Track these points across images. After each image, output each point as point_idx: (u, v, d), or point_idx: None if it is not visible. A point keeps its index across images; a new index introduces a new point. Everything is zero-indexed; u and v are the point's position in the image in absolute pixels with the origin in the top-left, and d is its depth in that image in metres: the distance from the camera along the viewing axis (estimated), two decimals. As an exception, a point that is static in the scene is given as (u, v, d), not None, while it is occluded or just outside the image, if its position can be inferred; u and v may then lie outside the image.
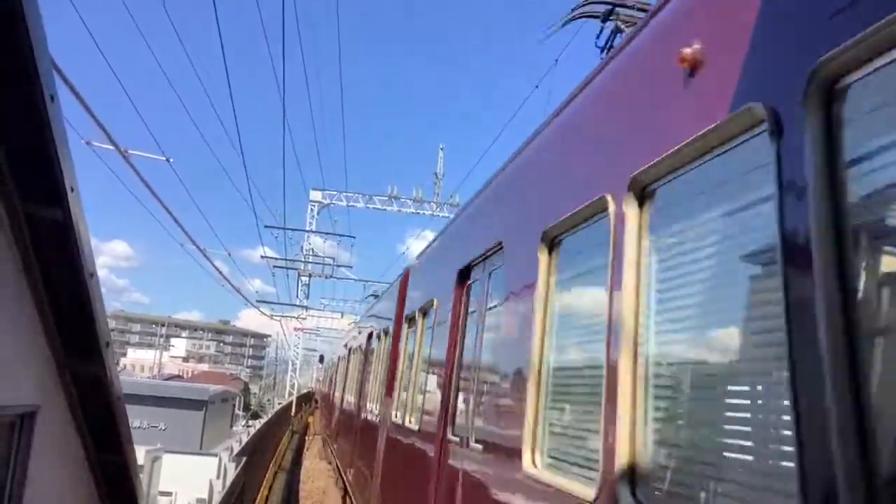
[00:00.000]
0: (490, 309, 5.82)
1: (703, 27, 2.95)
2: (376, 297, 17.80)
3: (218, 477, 13.17)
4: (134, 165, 12.10)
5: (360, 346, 18.57)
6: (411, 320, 9.86)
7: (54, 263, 3.40)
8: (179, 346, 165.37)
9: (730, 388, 2.75)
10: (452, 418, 6.53)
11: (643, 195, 3.31)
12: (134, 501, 5.70)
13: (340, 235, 48.47)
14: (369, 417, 13.16)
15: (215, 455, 17.55)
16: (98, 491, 5.28)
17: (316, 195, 53.43)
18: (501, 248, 5.52)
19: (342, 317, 64.48)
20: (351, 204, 52.57)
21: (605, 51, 8.22)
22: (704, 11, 3.03)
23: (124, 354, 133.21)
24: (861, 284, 2.01)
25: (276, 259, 48.02)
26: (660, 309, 3.13)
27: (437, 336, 7.78)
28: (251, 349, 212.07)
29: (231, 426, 50.80)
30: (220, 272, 28.54)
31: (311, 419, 66.24)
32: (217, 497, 9.36)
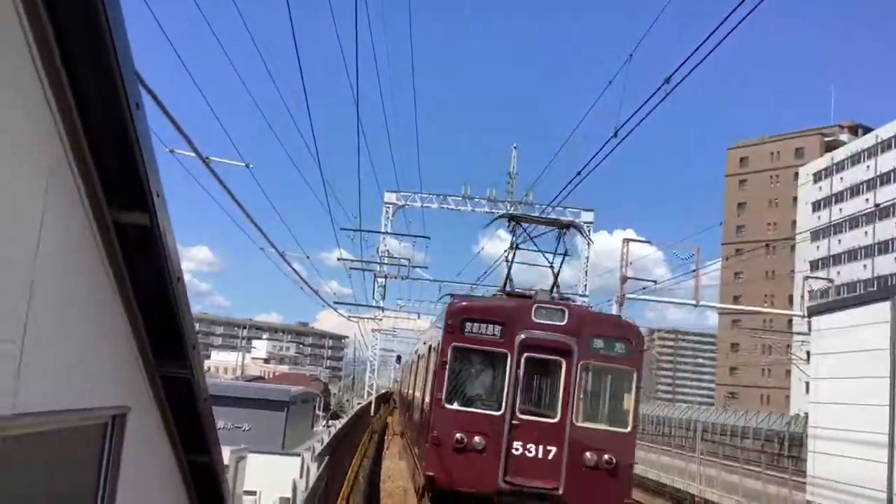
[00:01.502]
0: None
1: None
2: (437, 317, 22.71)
3: (301, 476, 13.35)
4: (215, 172, 12.37)
5: (423, 354, 22.55)
6: None
7: (141, 268, 3.45)
8: (260, 347, 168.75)
9: None
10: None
11: None
12: (222, 501, 5.80)
13: (415, 236, 48.65)
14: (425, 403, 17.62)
15: (298, 455, 17.81)
16: (187, 491, 5.39)
17: (390, 197, 53.84)
18: None
19: (418, 317, 64.88)
20: (425, 205, 52.77)
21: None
22: None
23: (208, 356, 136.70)
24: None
25: (353, 261, 48.54)
26: None
27: None
28: (330, 350, 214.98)
29: (312, 426, 51.63)
30: (299, 274, 28.98)
31: (390, 419, 66.80)
32: (301, 496, 9.47)
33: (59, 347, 2.95)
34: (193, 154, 11.97)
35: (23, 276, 2.53)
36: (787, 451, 59.05)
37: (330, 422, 58.02)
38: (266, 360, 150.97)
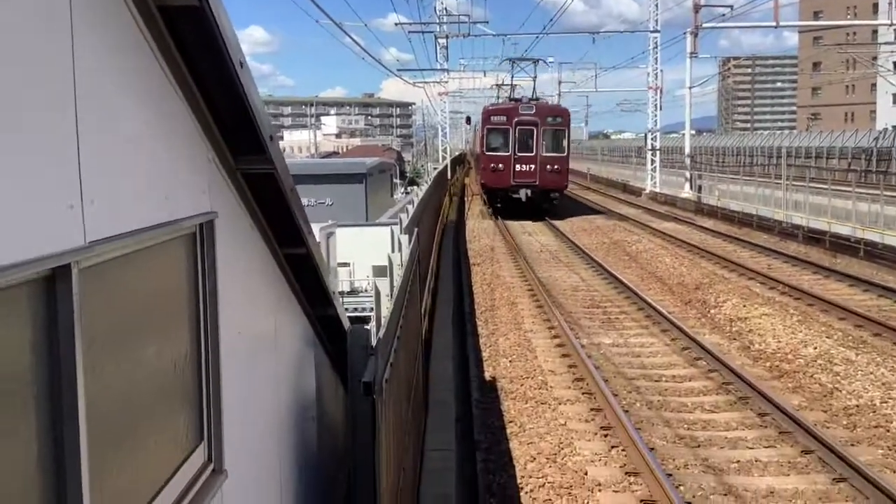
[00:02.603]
0: None
1: None
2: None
3: (392, 247, 13.51)
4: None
5: (476, 131, 50.81)
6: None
7: (200, 59, 3.03)
8: (330, 123, 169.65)
9: None
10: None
11: None
12: (321, 286, 5.71)
13: (472, -11, 46.15)
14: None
15: (386, 225, 18.05)
16: (288, 283, 5.28)
17: (441, -51, 50.71)
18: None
19: (484, 75, 63.80)
20: (479, -46, 49.58)
21: None
22: None
23: (281, 138, 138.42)
24: None
25: (411, 24, 46.73)
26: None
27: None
28: (398, 119, 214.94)
29: (391, 195, 52.64)
30: (359, 44, 28.04)
31: (467, 180, 67.53)
32: (396, 265, 9.49)
33: (128, 161, 2.62)
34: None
35: (66, 87, 2.14)
36: (874, 166, 57.74)
37: (408, 188, 59.13)
38: (337, 135, 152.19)
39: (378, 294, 7.78)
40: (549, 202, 38.83)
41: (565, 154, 39.25)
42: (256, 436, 4.39)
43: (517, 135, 38.50)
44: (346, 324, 6.48)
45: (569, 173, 40.42)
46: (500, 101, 50.78)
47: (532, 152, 38.38)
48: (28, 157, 1.94)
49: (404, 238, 12.09)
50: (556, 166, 38.31)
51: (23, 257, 1.86)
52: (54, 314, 2.09)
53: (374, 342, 6.55)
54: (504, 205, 38.99)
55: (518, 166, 38.23)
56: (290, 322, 5.49)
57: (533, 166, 38.13)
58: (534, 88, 46.33)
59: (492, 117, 39.91)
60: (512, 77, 50.63)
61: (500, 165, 38.31)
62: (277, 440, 4.91)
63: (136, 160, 2.70)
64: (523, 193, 38.06)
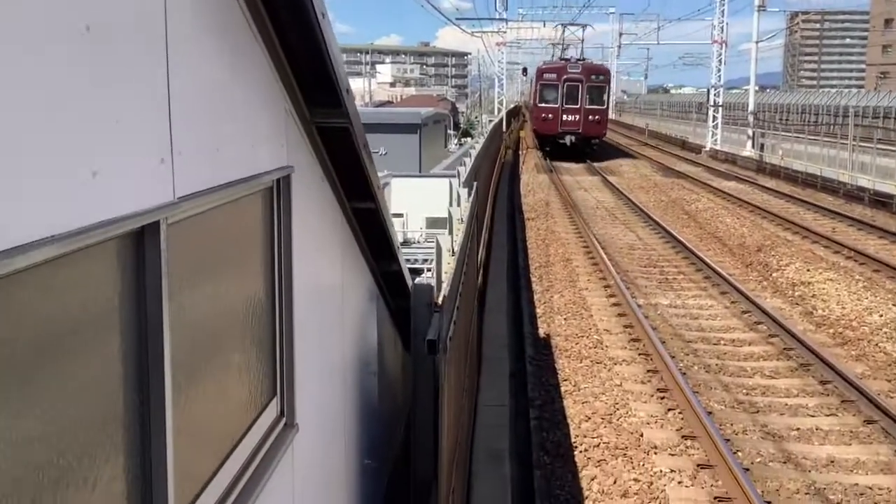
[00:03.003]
0: None
1: None
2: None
3: (451, 200, 13.45)
4: None
5: (532, 84, 58.04)
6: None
7: (284, 6, 2.96)
8: (385, 72, 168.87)
9: None
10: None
11: None
12: (388, 242, 5.67)
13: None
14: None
15: (444, 177, 17.97)
16: (355, 238, 5.25)
17: None
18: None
19: (544, 25, 62.98)
20: None
21: None
22: None
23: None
24: None
25: (471, -29, 45.86)
26: None
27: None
28: (453, 69, 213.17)
29: (445, 146, 52.35)
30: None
31: (522, 133, 66.89)
32: (456, 219, 9.43)
33: (214, 113, 2.57)
34: None
35: (158, 40, 2.08)
36: (946, 129, 55.58)
37: (461, 140, 58.73)
38: (392, 84, 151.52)
39: (440, 249, 7.72)
40: (590, 147, 46.68)
41: (605, 107, 48.32)
42: (324, 390, 4.41)
43: (565, 90, 45.94)
44: (409, 280, 6.45)
45: (608, 123, 50.83)
46: (553, 59, 58.48)
47: (577, 105, 45.74)
48: (123, 111, 1.90)
49: (463, 192, 12.00)
50: (596, 117, 46.20)
51: (116, 213, 1.83)
52: (142, 268, 2.07)
53: (436, 299, 6.52)
54: (552, 149, 46.50)
55: (565, 116, 45.86)
56: (355, 277, 5.48)
57: (577, 116, 45.59)
58: (581, 50, 55.67)
59: (544, 74, 48.43)
60: (563, 38, 58.26)
61: (550, 115, 46.39)
62: (342, 394, 4.93)
63: (221, 113, 2.66)
64: (568, 139, 45.71)
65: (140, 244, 2.06)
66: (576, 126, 45.39)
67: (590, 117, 45.55)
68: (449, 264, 7.43)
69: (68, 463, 1.72)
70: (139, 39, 2.01)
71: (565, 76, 46.18)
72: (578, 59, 50.73)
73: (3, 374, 1.48)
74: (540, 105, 47.30)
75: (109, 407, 1.95)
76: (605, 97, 48.03)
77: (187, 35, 2.32)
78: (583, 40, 56.26)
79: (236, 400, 2.95)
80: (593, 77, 46.55)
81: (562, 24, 58.45)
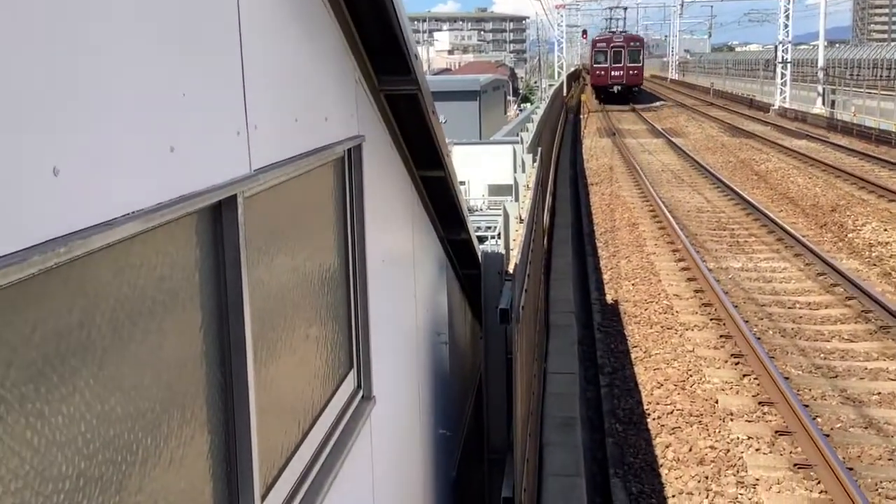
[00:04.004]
0: None
1: None
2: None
3: (515, 166, 13.31)
4: None
5: (587, 55, 78.45)
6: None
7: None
8: (442, 39, 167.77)
9: None
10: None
11: None
12: (457, 210, 5.60)
13: None
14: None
15: (507, 143, 17.81)
16: (424, 206, 5.19)
17: None
18: None
19: (603, -14, 64.00)
20: None
21: None
22: None
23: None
24: None
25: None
26: None
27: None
28: (511, 34, 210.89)
29: (504, 112, 51.93)
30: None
31: (583, 97, 66.02)
32: (522, 186, 9.33)
33: (287, 84, 2.52)
34: None
35: (231, 12, 2.03)
36: None
37: (521, 105, 57.93)
38: (450, 52, 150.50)
39: (507, 216, 7.63)
40: (632, 93, 63.77)
41: (641, 64, 65.83)
42: (399, 361, 4.38)
43: (612, 54, 64.01)
44: (478, 248, 6.38)
45: (643, 74, 68.44)
46: (604, 31, 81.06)
47: (621, 63, 63.73)
48: (198, 86, 1.85)
49: (528, 158, 11.84)
50: (635, 71, 64.27)
51: (194, 188, 1.80)
52: (220, 242, 2.04)
53: (506, 267, 6.43)
54: (605, 96, 63.65)
55: (613, 72, 63.77)
56: (425, 245, 5.42)
57: (621, 72, 63.54)
58: (624, 25, 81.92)
59: (597, 44, 67.72)
60: (610, 18, 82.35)
61: (602, 72, 64.58)
62: (416, 365, 4.90)
63: (294, 83, 2.61)
64: (616, 88, 63.20)
65: (218, 218, 2.02)
66: (621, 79, 63.55)
67: (630, 72, 63.88)
68: (517, 231, 7.33)
69: (154, 443, 1.70)
70: (212, 13, 1.96)
71: (612, 44, 65.02)
72: (622, 31, 72.18)
73: (84, 355, 1.46)
74: (595, 66, 66.34)
75: (193, 384, 1.93)
76: (641, 57, 66.49)
77: (259, 5, 2.26)
78: (624, 19, 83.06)
79: (315, 374, 2.93)
80: (632, 44, 65.89)
81: (609, 7, 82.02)
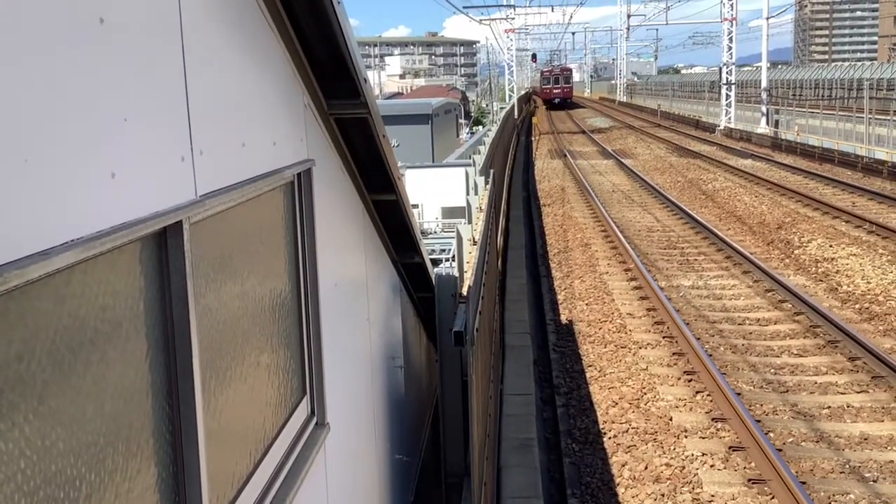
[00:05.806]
0: None
1: None
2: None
3: (467, 189, 13.35)
4: None
5: (536, 78, 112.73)
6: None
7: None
8: (394, 64, 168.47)
9: None
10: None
11: None
12: (409, 233, 5.59)
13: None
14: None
15: (459, 166, 17.87)
16: (377, 230, 5.17)
17: None
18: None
19: (552, 10, 63.98)
20: None
21: None
22: None
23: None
24: None
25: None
26: None
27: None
28: (462, 58, 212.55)
29: (457, 135, 52.21)
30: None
31: (534, 120, 66.66)
32: (475, 208, 9.35)
33: (232, 109, 2.49)
34: None
35: (173, 37, 2.00)
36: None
37: (473, 128, 58.30)
38: (402, 76, 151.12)
39: (461, 239, 7.63)
40: (566, 103, 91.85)
41: (570, 85, 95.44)
42: (353, 386, 4.33)
43: (553, 79, 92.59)
44: (432, 271, 6.37)
45: (573, 91, 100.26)
46: (548, 66, 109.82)
47: (559, 84, 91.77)
48: (140, 109, 1.81)
49: (480, 180, 11.88)
50: (567, 89, 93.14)
51: (137, 215, 1.76)
52: (166, 270, 2.00)
53: (460, 289, 6.42)
54: (549, 105, 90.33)
55: (554, 90, 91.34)
56: (378, 269, 5.40)
57: (560, 89, 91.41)
58: (562, 59, 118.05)
59: (543, 73, 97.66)
60: (551, 55, 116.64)
61: (548, 90, 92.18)
62: (371, 390, 4.86)
63: (240, 107, 2.58)
64: (556, 100, 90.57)
65: (163, 245, 1.98)
66: (560, 94, 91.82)
67: (564, 89, 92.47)
68: (470, 254, 7.34)
69: (98, 478, 1.64)
70: (154, 34, 1.93)
71: (553, 73, 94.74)
72: (558, 64, 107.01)
73: (25, 388, 1.41)
74: (543, 86, 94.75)
75: (138, 416, 1.88)
76: (570, 80, 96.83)
77: (203, 28, 2.23)
78: (562, 52, 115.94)
79: (267, 401, 2.88)
80: (565, 72, 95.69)
81: (551, 52, 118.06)
